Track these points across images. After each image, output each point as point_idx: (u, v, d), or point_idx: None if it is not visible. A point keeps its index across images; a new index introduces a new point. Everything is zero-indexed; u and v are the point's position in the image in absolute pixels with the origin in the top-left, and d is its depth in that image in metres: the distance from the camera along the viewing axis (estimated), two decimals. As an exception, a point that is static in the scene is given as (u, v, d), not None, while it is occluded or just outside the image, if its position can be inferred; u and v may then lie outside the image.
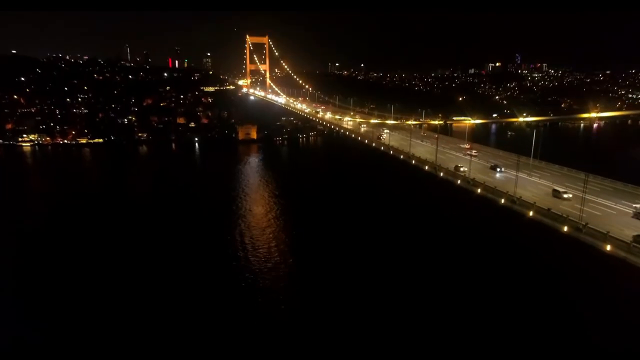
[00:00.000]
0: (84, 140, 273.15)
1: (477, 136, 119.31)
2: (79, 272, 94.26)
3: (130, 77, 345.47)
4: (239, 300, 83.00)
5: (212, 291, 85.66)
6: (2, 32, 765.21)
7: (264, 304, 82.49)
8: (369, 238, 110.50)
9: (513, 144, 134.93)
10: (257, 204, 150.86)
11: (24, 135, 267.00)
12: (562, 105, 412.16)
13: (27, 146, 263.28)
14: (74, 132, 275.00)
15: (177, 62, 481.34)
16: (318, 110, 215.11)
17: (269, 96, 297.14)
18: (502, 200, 71.20)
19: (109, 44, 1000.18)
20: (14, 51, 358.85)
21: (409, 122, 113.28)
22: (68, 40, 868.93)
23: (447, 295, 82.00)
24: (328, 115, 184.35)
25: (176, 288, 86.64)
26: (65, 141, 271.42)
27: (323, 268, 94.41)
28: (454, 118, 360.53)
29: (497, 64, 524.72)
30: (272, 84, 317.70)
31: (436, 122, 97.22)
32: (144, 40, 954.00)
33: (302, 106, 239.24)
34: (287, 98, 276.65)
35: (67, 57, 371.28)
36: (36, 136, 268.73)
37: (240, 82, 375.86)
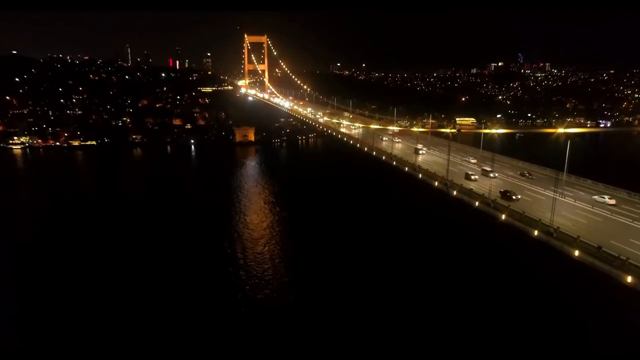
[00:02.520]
0: (76, 143, 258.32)
1: (483, 139, 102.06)
2: (69, 283, 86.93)
3: (126, 77, 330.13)
4: (236, 309, 77.82)
5: (209, 300, 79.98)
6: (4, 33, 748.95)
7: (262, 312, 77.25)
8: (372, 249, 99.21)
9: (525, 149, 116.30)
10: (255, 212, 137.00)
11: (15, 138, 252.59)
12: (567, 106, 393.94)
13: (17, 149, 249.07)
14: (66, 134, 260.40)
15: (177, 62, 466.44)
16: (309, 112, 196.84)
17: (267, 97, 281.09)
18: (536, 232, 55.10)
19: (110, 45, 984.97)
20: (14, 52, 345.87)
21: (416, 129, 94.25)
22: (70, 41, 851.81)
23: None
24: (325, 119, 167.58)
25: (171, 297, 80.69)
26: (57, 143, 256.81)
27: (322, 278, 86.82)
28: (457, 119, 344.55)
29: (500, 64, 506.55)
30: (271, 85, 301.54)
31: (448, 130, 78.49)
32: (146, 40, 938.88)
33: (298, 109, 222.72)
34: (285, 99, 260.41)
35: (67, 58, 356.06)
36: (27, 138, 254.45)
37: (240, 83, 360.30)
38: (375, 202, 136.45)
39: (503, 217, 58.30)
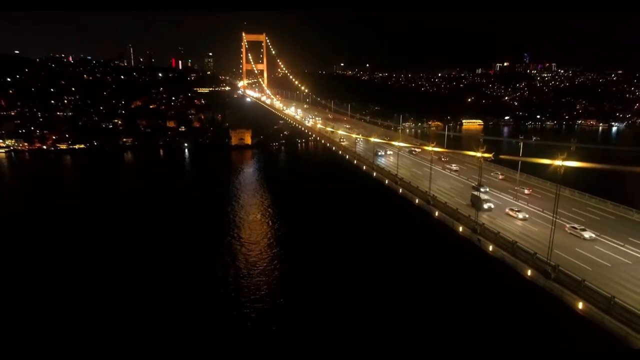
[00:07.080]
0: (64, 146, 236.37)
1: (491, 142, 78.06)
2: (61, 291, 79.47)
3: (122, 77, 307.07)
4: (232, 314, 72.15)
5: (204, 305, 73.99)
6: (8, 33, 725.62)
7: (258, 319, 70.91)
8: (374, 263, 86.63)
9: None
10: (250, 226, 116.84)
11: (0, 141, 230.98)
12: (577, 107, 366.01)
13: (1, 153, 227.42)
14: (54, 137, 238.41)
15: (180, 62, 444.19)
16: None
17: (264, 98, 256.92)
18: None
19: (114, 45, 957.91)
20: (16, 51, 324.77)
21: (428, 148, 67.84)
22: (72, 41, 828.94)
23: None
24: (319, 126, 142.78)
25: (166, 303, 74.08)
26: (44, 147, 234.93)
27: (318, 290, 77.77)
28: (464, 121, 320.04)
29: (505, 64, 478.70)
30: (270, 85, 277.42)
31: (479, 154, 52.23)
32: (149, 40, 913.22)
33: (294, 115, 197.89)
34: (283, 101, 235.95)
35: (69, 58, 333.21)
36: (13, 141, 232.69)
37: (240, 84, 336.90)
38: (376, 217, 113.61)
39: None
